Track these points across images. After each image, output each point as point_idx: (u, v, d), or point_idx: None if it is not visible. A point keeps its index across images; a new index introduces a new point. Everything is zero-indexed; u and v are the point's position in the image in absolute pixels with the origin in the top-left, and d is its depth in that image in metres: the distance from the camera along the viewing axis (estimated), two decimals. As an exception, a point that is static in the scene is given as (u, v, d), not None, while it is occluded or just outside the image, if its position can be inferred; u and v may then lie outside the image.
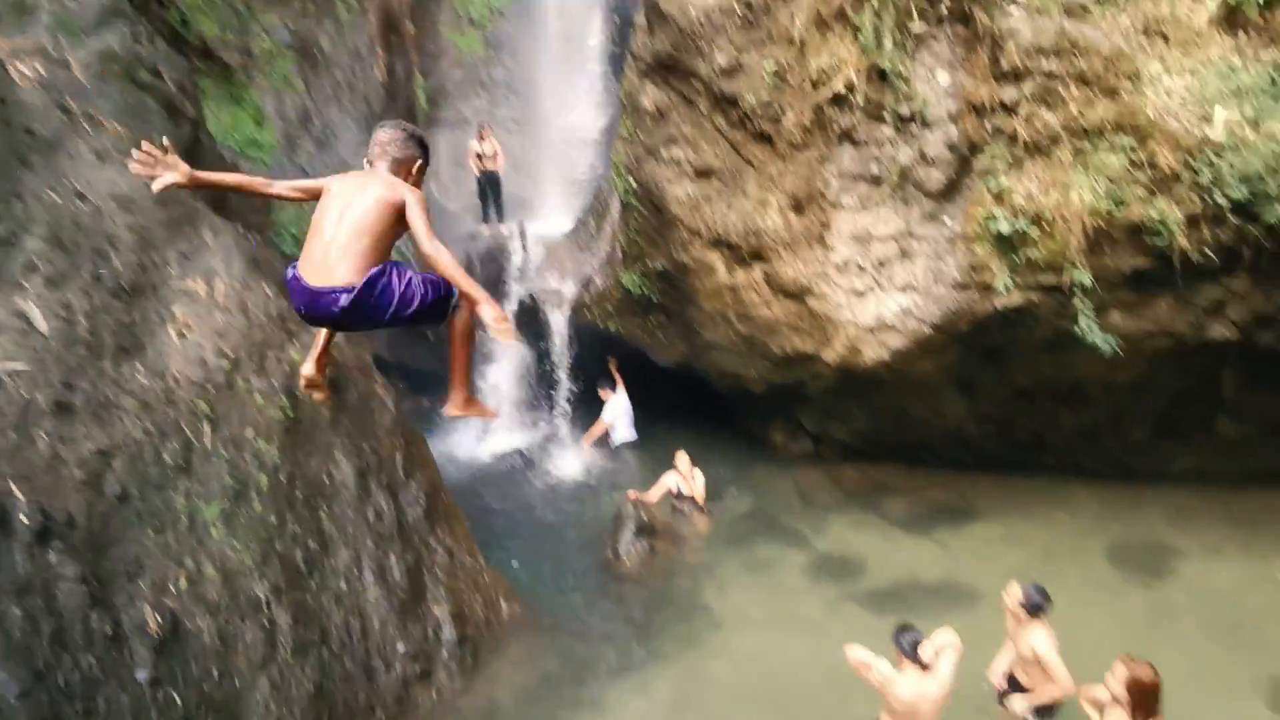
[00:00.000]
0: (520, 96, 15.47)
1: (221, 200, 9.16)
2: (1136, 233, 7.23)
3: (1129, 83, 7.19)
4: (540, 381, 12.34)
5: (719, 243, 8.91)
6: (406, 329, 3.06)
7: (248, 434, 5.96)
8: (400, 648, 6.22)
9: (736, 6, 8.20)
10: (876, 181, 8.04)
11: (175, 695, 4.74)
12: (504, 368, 12.50)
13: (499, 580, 7.63)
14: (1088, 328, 7.52)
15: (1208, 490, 8.98)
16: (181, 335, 5.98)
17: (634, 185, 9.38)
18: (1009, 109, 7.48)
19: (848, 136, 8.08)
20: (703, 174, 8.83)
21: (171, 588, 5.15)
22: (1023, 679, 5.63)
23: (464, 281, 2.85)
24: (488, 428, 12.16)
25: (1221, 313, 7.62)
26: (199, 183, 2.96)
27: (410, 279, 3.01)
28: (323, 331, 3.38)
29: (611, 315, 11.00)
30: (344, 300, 2.85)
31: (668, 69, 8.81)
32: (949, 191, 7.81)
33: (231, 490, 5.69)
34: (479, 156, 13.32)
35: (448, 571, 6.96)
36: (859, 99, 7.83)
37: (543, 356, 11.86)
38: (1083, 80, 7.27)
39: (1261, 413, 8.54)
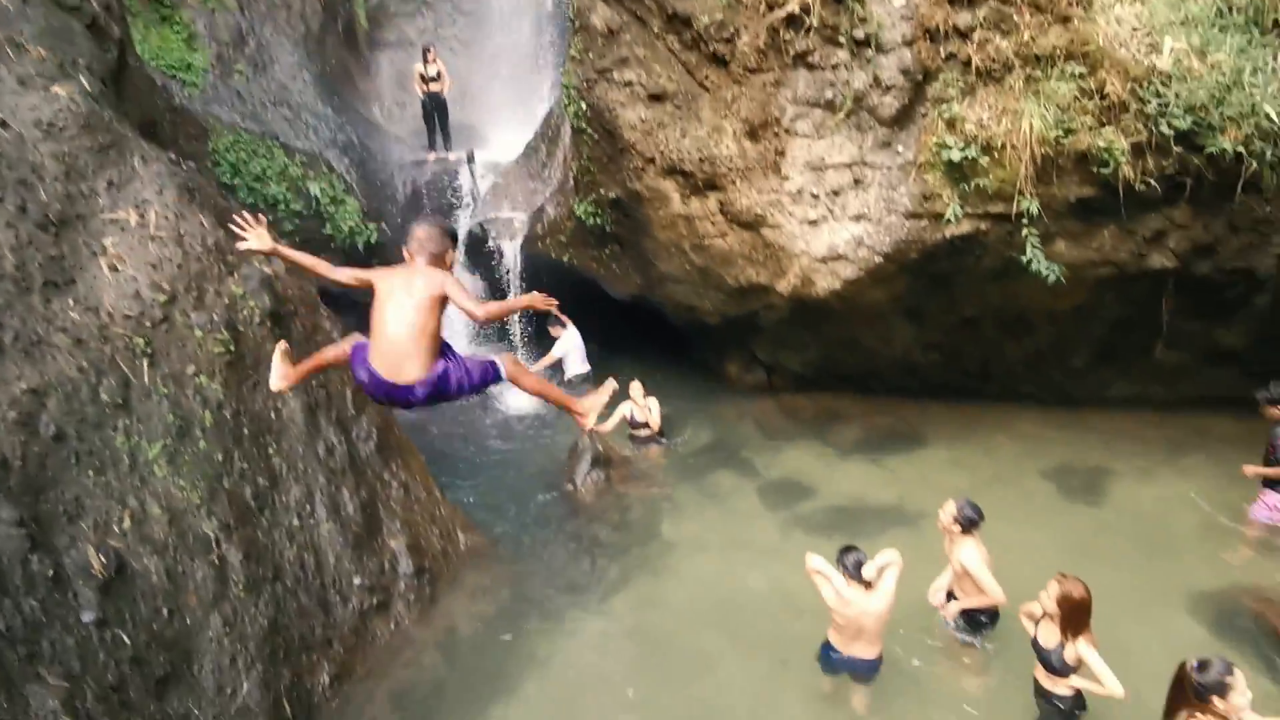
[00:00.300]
0: (467, 16, 14.85)
1: (151, 126, 8.70)
2: (1084, 161, 7.30)
3: (1081, 10, 7.17)
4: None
5: (673, 171, 8.77)
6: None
7: (188, 370, 5.78)
8: (356, 581, 6.22)
9: (690, -79, 7.89)
10: (831, 108, 7.95)
11: (124, 636, 4.68)
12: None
13: (455, 513, 7.65)
14: (1034, 256, 7.64)
15: (1142, 415, 9.36)
16: (114, 269, 5.72)
17: (585, 109, 9.12)
18: (963, 34, 7.40)
19: (802, 60, 7.93)
20: (656, 98, 8.61)
21: (115, 528, 5.04)
22: (957, 592, 5.91)
23: (500, 308, 3.76)
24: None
25: (1162, 242, 7.80)
26: (279, 255, 3.59)
27: (466, 366, 3.66)
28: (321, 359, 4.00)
29: (565, 246, 10.83)
30: (420, 392, 3.49)
31: (619, -15, 8.51)
32: (902, 119, 7.76)
33: (174, 428, 5.54)
34: (423, 79, 12.83)
35: (403, 505, 6.94)
36: (814, 20, 7.66)
37: (494, 288, 11.66)
38: (1036, 6, 7.22)
39: (1195, 340, 8.86)
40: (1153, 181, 7.18)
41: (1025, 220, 7.54)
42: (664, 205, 9.08)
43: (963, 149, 7.41)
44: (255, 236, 3.56)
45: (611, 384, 4.23)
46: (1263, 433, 7.17)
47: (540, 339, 11.53)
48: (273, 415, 6.22)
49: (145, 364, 5.57)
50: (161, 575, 5.10)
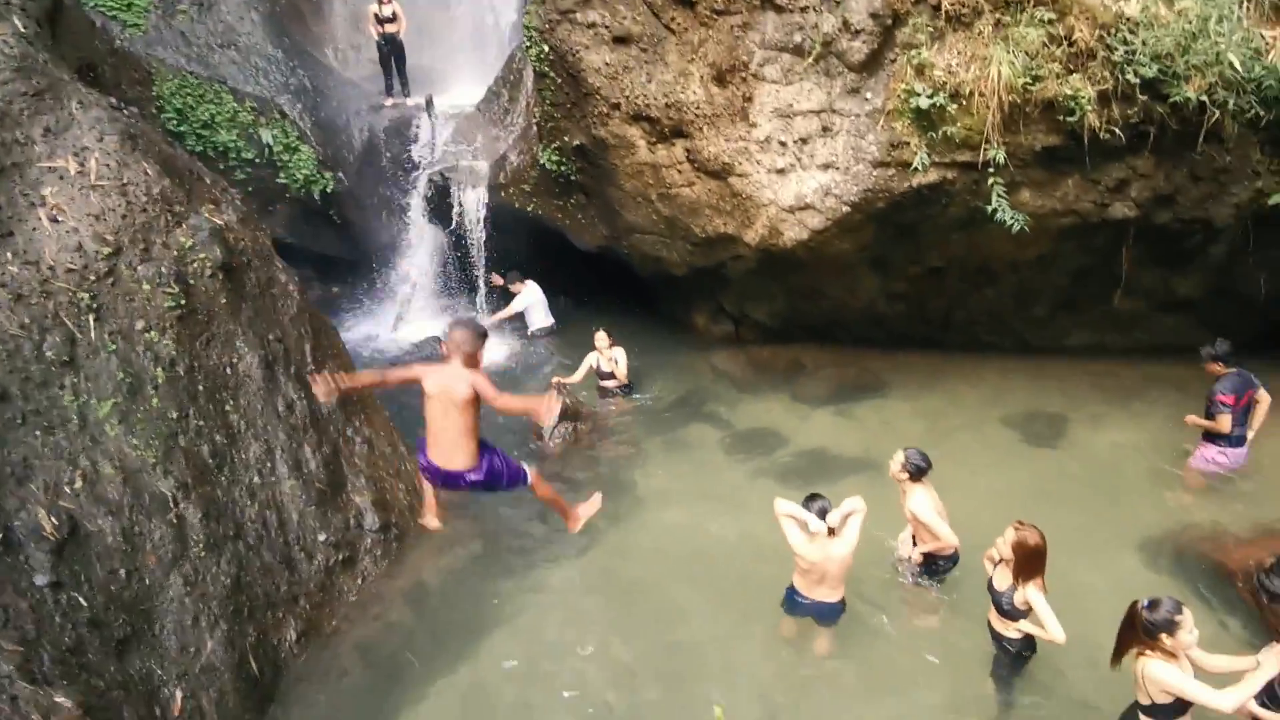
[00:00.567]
0: (423, -48, 14.21)
1: (90, 69, 8.26)
2: (1050, 109, 7.26)
3: (1052, -48, 7.06)
4: (455, 266, 11.94)
5: (639, 117, 8.57)
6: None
7: (137, 325, 5.58)
8: (321, 537, 6.16)
9: None
10: (799, 52, 7.78)
11: (80, 598, 4.59)
12: (417, 253, 12.00)
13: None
14: (999, 206, 7.64)
15: (1099, 363, 9.55)
16: (54, 220, 5.47)
17: (547, 52, 8.83)
18: (934, -23, 7.26)
19: (771, 2, 7.74)
20: (621, 40, 8.36)
21: (67, 489, 4.91)
22: (916, 540, 6.05)
23: (521, 404, 4.51)
24: (401, 316, 11.81)
25: (1124, 192, 7.84)
26: (350, 390, 4.44)
27: (505, 460, 4.60)
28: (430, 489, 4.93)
29: (529, 196, 10.60)
30: (471, 478, 4.40)
31: (582, -79, 8.18)
32: (871, 64, 7.64)
33: (125, 385, 5.37)
34: (378, 20, 12.31)
35: (367, 461, 6.85)
36: (783, -39, 7.47)
37: (457, 240, 11.42)
38: (1008, -52, 7.10)
39: (1152, 289, 9.00)
40: (1117, 130, 7.19)
41: (991, 169, 7.53)
42: (630, 153, 8.90)
43: (931, 96, 7.33)
44: (325, 389, 4.31)
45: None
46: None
47: (506, 295, 11.39)
48: (229, 371, 6.06)
49: (91, 319, 5.37)
50: (117, 536, 5.00)
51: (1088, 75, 7.09)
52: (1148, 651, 4.08)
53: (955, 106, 7.36)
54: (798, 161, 8.03)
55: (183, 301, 5.85)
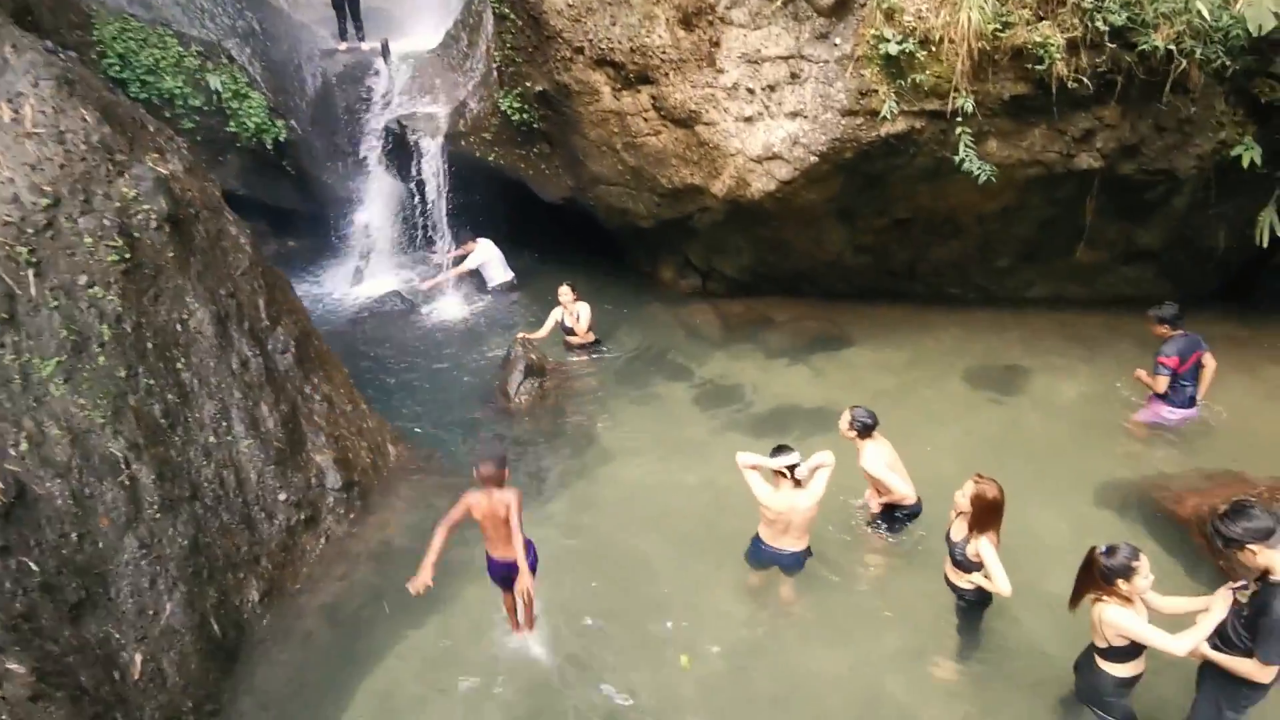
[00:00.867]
0: (376, -114, 13.57)
1: (25, 12, 7.77)
2: (1019, 57, 7.20)
3: (1026, -107, 6.91)
4: (415, 218, 11.64)
5: (603, 62, 8.32)
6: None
7: (80, 281, 5.34)
8: (281, 497, 6.04)
9: None
10: (767, -5, 7.59)
11: (30, 562, 4.44)
12: (374, 205, 11.67)
13: (384, 426, 7.45)
14: (966, 156, 7.60)
15: (1060, 314, 9.66)
16: (-14, 170, 5.17)
17: (507, -8, 8.53)
18: (905, -83, 7.09)
19: (738, -56, 7.52)
20: (583, -19, 8.09)
21: (11, 451, 4.72)
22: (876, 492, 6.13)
23: (519, 542, 4.97)
24: (360, 270, 11.54)
25: (1090, 142, 7.84)
26: (436, 561, 4.89)
27: (534, 551, 5.27)
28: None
29: (490, 145, 10.31)
30: (518, 566, 4.96)
31: None
32: (840, 9, 7.47)
33: (69, 344, 5.15)
34: (330, -40, 11.77)
35: (327, 419, 6.71)
36: (750, -101, 7.23)
37: (416, 191, 11.11)
38: (980, -112, 6.93)
39: (1114, 240, 9.09)
40: (1085, 79, 7.15)
41: (960, 118, 7.46)
42: (594, 100, 8.66)
43: (900, 42, 7.20)
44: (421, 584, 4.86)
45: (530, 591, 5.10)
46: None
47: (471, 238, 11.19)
48: (179, 328, 5.84)
49: (31, 274, 5.12)
50: (67, 498, 4.84)
51: (1057, 22, 7.03)
52: (1105, 597, 4.16)
53: (925, 53, 7.25)
54: (765, 110, 7.89)
55: (127, 255, 5.61)
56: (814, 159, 7.91)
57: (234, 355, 6.12)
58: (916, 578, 5.78)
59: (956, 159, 7.62)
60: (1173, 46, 6.85)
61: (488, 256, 11.00)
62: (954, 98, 7.34)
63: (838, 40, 7.58)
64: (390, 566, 6.14)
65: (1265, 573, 3.89)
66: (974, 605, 5.20)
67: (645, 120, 8.54)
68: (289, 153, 11.77)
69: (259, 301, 6.54)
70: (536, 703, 5.12)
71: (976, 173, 7.60)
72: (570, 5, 8.18)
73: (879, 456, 5.89)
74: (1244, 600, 4.03)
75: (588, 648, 5.45)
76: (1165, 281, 9.45)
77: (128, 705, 4.58)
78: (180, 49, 10.71)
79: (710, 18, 7.80)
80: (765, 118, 7.92)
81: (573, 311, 9.38)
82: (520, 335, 9.08)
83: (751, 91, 7.89)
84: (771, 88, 7.80)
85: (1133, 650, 4.19)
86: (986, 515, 4.86)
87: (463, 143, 10.36)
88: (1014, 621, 5.45)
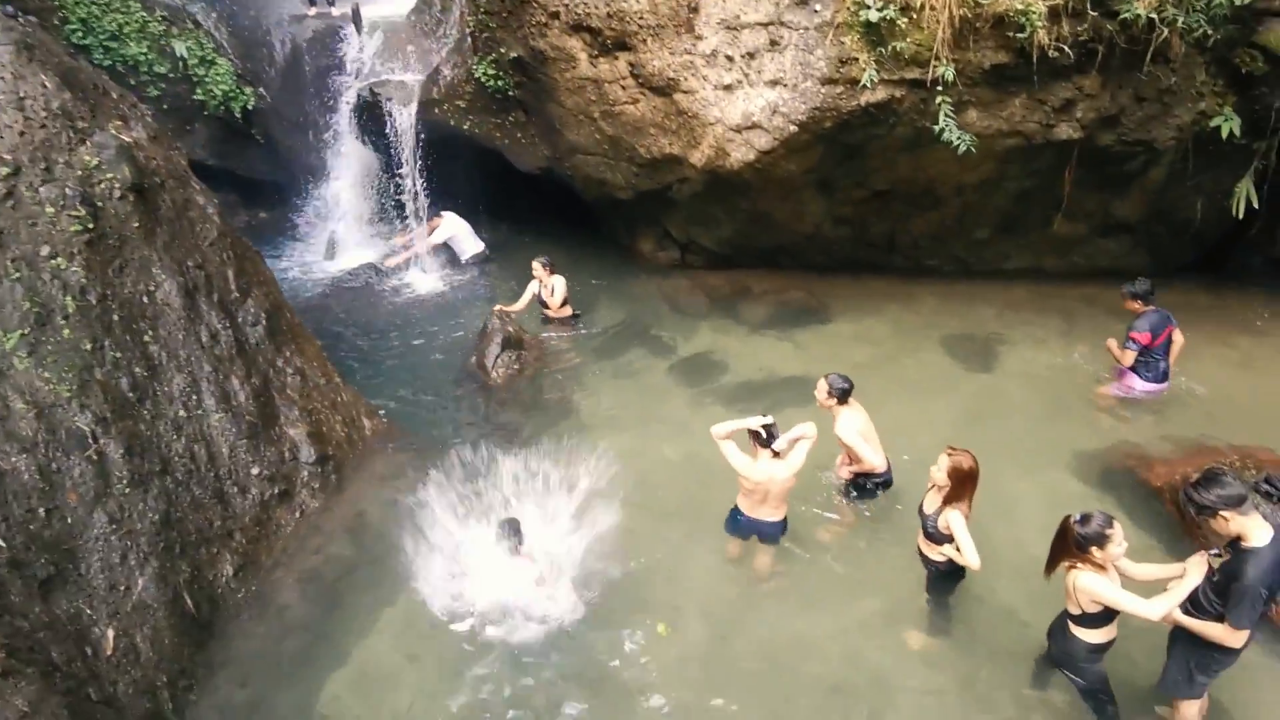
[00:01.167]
0: None
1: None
2: (1000, 25, 7.13)
3: None
4: (388, 189, 11.44)
5: (579, 27, 8.16)
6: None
7: (42, 252, 5.19)
8: (254, 471, 5.95)
9: None
10: (747, -39, 7.46)
11: (-5, 538, 4.35)
12: (346, 176, 11.43)
13: (358, 399, 7.36)
14: (946, 126, 7.55)
15: (1037, 286, 9.71)
16: (-60, 135, 4.99)
17: (481, -43, 8.32)
18: (887, -119, 6.97)
19: (717, -94, 7.37)
20: (559, -55, 7.91)
21: (-26, 425, 4.61)
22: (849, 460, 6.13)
23: None
24: (334, 243, 11.34)
25: (1070, 112, 7.82)
26: None
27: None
28: None
29: (464, 113, 10.11)
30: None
31: None
32: (821, -25, 7.37)
33: (33, 316, 5.01)
34: (298, -79, 11.42)
35: (300, 393, 6.60)
36: None
37: (390, 161, 10.90)
38: None
39: (1091, 212, 9.11)
40: (1066, 48, 7.11)
41: (940, 87, 7.40)
42: (571, 66, 8.51)
43: (881, 9, 7.11)
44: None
45: None
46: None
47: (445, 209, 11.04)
48: (145, 300, 5.70)
49: (-11, 245, 4.96)
50: (33, 473, 4.73)
51: (1038, -10, 6.96)
52: (1079, 564, 4.20)
53: (905, 20, 7.17)
54: (745, 78, 7.78)
55: (90, 225, 5.45)
56: (794, 128, 7.83)
57: (203, 328, 5.99)
58: (892, 548, 5.82)
59: (936, 129, 7.58)
60: (1154, 15, 6.81)
61: (455, 230, 10.86)
62: (934, 66, 7.28)
63: (818, 6, 7.47)
64: (365, 540, 6.11)
65: (1237, 539, 3.93)
66: (945, 577, 5.24)
67: (623, 88, 8.41)
68: (258, 121, 11.51)
69: (228, 273, 6.40)
70: (513, 673, 5.12)
71: (956, 142, 7.56)
72: (546, -32, 8.01)
73: (853, 423, 5.91)
74: (1215, 566, 4.08)
75: (566, 618, 5.45)
76: (1142, 253, 9.52)
77: (100, 681, 4.52)
78: (144, 14, 10.42)
79: (689, -18, 7.66)
80: (745, 86, 7.81)
81: (548, 285, 9.29)
82: (498, 308, 8.98)
83: (730, 59, 7.78)
84: (751, 55, 7.69)
85: (1106, 616, 4.24)
86: (963, 486, 4.87)
87: (436, 111, 10.16)
88: (989, 589, 5.51)
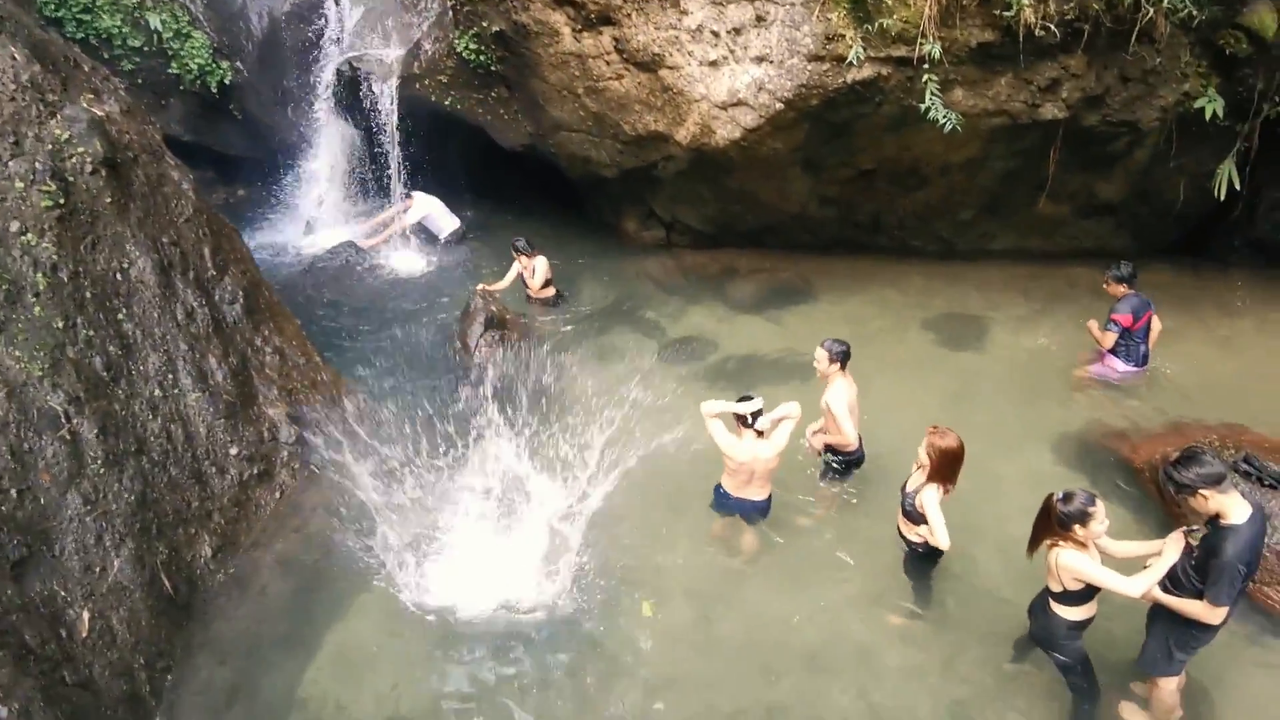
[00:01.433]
0: None
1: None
2: (988, 3, 7.08)
3: None
4: (369, 166, 11.26)
5: (563, 1, 8.02)
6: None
7: (12, 227, 5.06)
8: (232, 452, 5.87)
9: None
10: (733, -65, 7.35)
11: (-36, 519, 4.26)
12: (325, 152, 11.24)
13: (339, 379, 7.27)
14: (932, 104, 7.50)
15: (1020, 267, 9.72)
16: (-97, 109, 4.84)
17: (463, -71, 8.15)
18: None
19: (703, -122, 7.24)
20: (542, -83, 7.76)
21: (-58, 405, 4.50)
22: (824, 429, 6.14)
23: None
24: (311, 221, 11.17)
25: (1055, 92, 7.79)
26: None
27: None
28: None
29: (446, 88, 9.95)
30: None
31: None
32: (807, -49, 7.27)
33: (2, 293, 4.90)
34: (274, -110, 11.13)
35: (279, 372, 6.51)
36: None
37: (370, 137, 10.73)
38: None
39: (1075, 193, 9.12)
40: (1053, 27, 7.06)
41: (926, 65, 7.35)
42: (554, 41, 8.38)
43: (868, -14, 7.04)
44: None
45: None
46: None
47: (426, 186, 10.89)
48: (119, 277, 5.58)
49: (-45, 220, 4.83)
50: (5, 454, 4.63)
51: (1027, -33, 6.90)
52: (1061, 542, 4.22)
53: (893, -3, 7.10)
54: (731, 54, 7.69)
55: (61, 200, 5.32)
56: (780, 106, 7.76)
57: (179, 305, 5.89)
58: (875, 527, 5.83)
59: (923, 107, 7.53)
60: (1140, -6, 6.79)
61: (428, 208, 10.72)
62: (921, 43, 7.22)
63: (805, -18, 7.38)
64: (346, 520, 6.05)
65: (1216, 517, 3.96)
66: (921, 559, 5.27)
67: (607, 63, 8.30)
68: (235, 96, 11.30)
69: (204, 250, 6.28)
70: (497, 652, 5.10)
71: (943, 121, 7.52)
72: (529, -60, 7.86)
73: (843, 394, 5.88)
74: (1195, 544, 4.11)
75: (549, 598, 5.43)
76: (1125, 235, 9.55)
77: (76, 663, 4.46)
78: (118, -15, 10.17)
79: (674, -44, 7.55)
80: (730, 62, 7.73)
81: (529, 267, 9.20)
82: (480, 287, 8.88)
83: (716, 34, 7.68)
84: (737, 30, 7.60)
85: (1086, 594, 4.27)
86: (945, 466, 4.88)
87: (417, 86, 10.00)
88: (971, 567, 5.54)
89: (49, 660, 4.30)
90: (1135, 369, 7.42)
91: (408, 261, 10.57)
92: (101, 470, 4.99)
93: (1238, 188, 8.04)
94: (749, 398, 5.46)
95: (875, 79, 7.56)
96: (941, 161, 8.78)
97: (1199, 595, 4.01)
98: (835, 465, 6.21)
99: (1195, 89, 7.60)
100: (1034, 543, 4.43)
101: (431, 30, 9.91)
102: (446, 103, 10.01)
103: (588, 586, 5.53)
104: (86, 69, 6.15)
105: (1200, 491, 3.92)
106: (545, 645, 5.14)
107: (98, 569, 4.81)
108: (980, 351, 8.35)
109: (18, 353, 4.88)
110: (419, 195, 10.78)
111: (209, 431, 5.80)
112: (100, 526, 4.89)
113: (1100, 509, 4.16)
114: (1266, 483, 5.40)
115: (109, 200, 5.63)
